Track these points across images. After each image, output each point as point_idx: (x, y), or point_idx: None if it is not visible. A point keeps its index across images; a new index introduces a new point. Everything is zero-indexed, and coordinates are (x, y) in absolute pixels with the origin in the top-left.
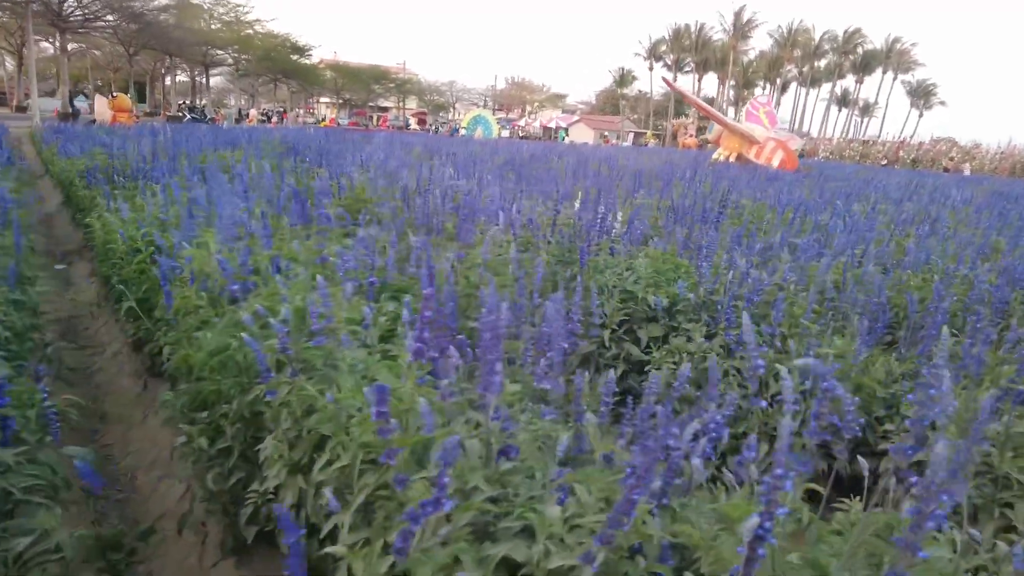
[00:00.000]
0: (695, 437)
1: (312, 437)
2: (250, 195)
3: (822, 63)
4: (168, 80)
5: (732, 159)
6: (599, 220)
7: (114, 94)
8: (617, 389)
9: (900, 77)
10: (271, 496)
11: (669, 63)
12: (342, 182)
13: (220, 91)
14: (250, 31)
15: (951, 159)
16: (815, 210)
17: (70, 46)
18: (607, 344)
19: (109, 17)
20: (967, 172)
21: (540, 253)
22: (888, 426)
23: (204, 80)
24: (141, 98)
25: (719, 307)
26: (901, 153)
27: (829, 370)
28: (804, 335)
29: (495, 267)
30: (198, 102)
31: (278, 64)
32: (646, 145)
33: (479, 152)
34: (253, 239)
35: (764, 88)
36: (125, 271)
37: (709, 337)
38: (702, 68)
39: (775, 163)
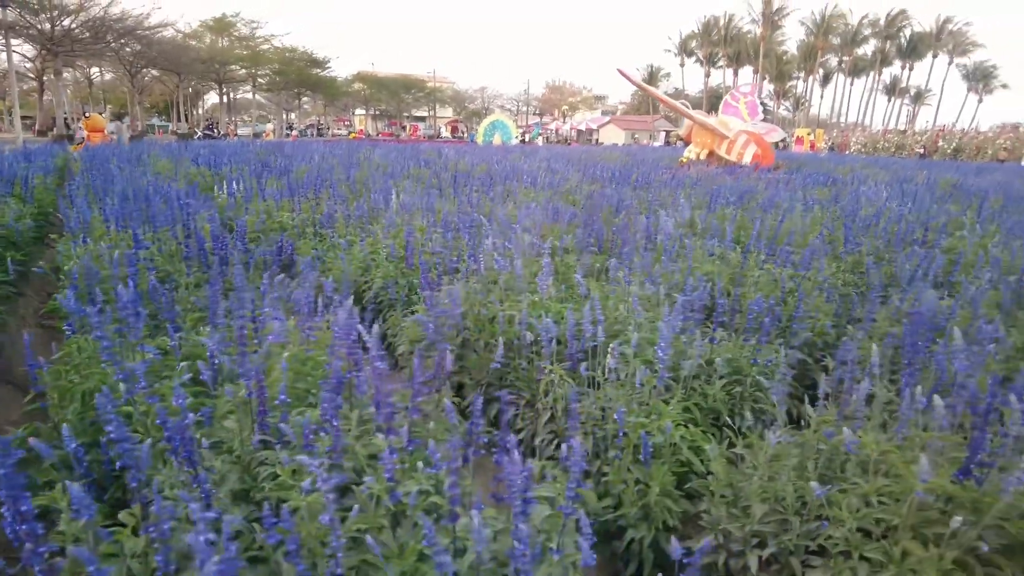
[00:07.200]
0: None
1: None
2: None
3: (866, 50)
4: (201, 100)
5: (703, 156)
6: None
7: (87, 115)
8: None
9: (956, 60)
10: None
11: (701, 58)
12: None
13: (261, 108)
14: (265, 46)
15: (1005, 149)
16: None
17: (92, 72)
18: None
19: (109, 39)
20: None
21: None
22: None
23: (222, 98)
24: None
25: None
26: (940, 142)
27: None
28: None
29: None
30: (216, 120)
31: (296, 77)
32: (673, 144)
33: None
34: None
35: (805, 80)
36: None
37: None
38: (735, 62)
39: (747, 159)
